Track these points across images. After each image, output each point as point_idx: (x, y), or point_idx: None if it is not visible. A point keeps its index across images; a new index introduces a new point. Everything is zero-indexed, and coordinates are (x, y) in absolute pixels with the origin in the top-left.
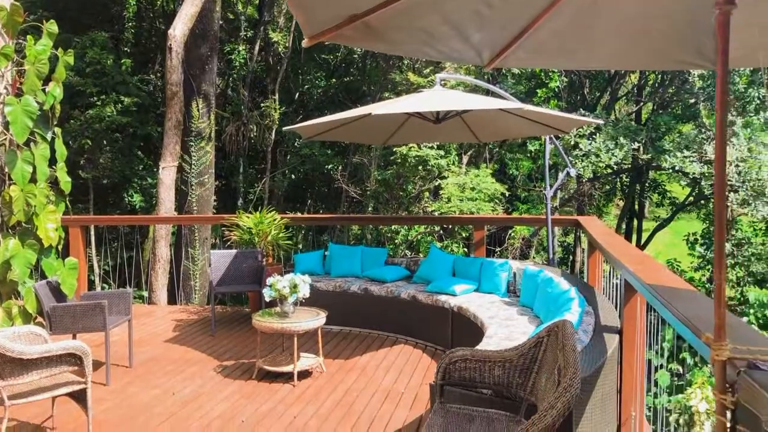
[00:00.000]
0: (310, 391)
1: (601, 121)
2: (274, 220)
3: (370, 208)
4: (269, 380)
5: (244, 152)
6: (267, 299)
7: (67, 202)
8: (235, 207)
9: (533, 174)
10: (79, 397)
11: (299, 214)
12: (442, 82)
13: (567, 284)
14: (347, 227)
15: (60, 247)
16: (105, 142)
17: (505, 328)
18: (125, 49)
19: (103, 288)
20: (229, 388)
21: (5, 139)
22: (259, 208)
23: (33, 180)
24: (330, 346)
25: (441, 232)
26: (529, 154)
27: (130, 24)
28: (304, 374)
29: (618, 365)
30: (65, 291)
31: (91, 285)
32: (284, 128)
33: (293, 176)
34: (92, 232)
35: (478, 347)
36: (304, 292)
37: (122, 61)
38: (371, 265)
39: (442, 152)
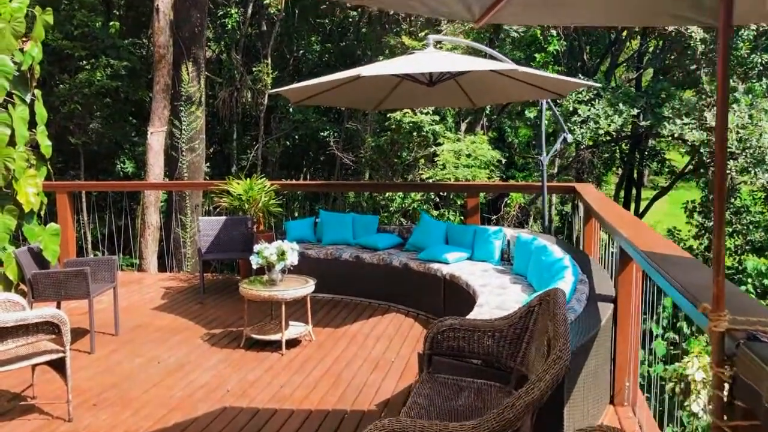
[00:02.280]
0: (298, 360)
1: (598, 84)
2: (264, 186)
3: (366, 176)
4: (257, 349)
5: (238, 118)
6: (254, 266)
7: (49, 167)
8: (229, 174)
9: (531, 142)
10: (59, 365)
11: (292, 181)
12: (438, 46)
13: (561, 252)
14: (345, 195)
15: (43, 213)
16: (95, 107)
17: (497, 296)
18: (116, 12)
19: (95, 255)
20: (216, 356)
21: None
22: (253, 175)
23: (12, 144)
24: (320, 314)
25: (437, 200)
26: (528, 122)
27: None
28: (293, 343)
29: (612, 335)
30: (47, 257)
31: (82, 252)
32: (270, 91)
33: (287, 143)
34: (83, 199)
35: (469, 316)
36: (292, 259)
37: (111, 23)
38: (363, 232)
39: (437, 118)
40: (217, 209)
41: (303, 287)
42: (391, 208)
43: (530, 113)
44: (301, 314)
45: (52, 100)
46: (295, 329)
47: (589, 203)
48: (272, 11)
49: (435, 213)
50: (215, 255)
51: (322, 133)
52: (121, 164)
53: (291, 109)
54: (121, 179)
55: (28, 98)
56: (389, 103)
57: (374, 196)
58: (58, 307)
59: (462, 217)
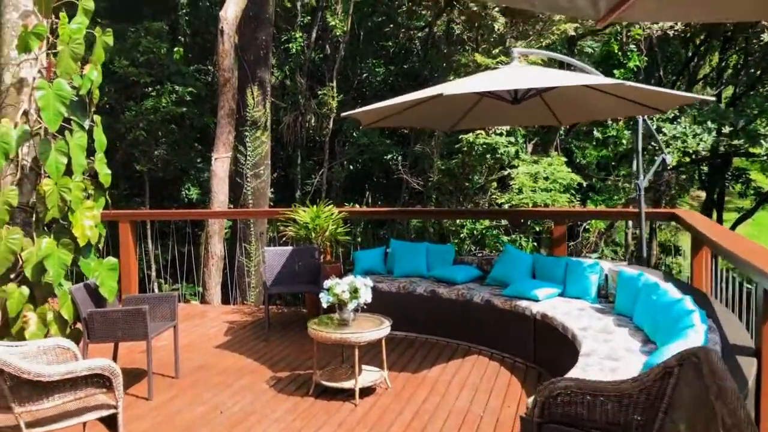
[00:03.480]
0: (374, 413)
1: (711, 99)
2: (332, 214)
3: (432, 200)
4: (327, 397)
5: (302, 143)
6: (324, 305)
7: (107, 197)
8: (293, 200)
9: (600, 163)
10: (111, 423)
11: (358, 207)
12: (520, 58)
13: (677, 291)
14: (407, 220)
15: (101, 246)
16: (160, 133)
17: (603, 344)
18: (181, 38)
19: (159, 285)
20: (283, 406)
21: (40, 127)
22: (317, 201)
23: (69, 173)
24: (394, 355)
25: (508, 225)
26: (594, 142)
27: (183, 11)
28: (367, 391)
29: (756, 396)
30: (104, 294)
31: (145, 282)
32: (343, 114)
33: (351, 167)
34: (149, 227)
35: (576, 370)
36: (366, 297)
37: (175, 49)
38: (438, 263)
39: (512, 139)
40: (283, 238)
41: (378, 329)
42: (461, 234)
43: (599, 133)
44: (374, 355)
45: (118, 128)
46: (369, 375)
47: (701, 232)
48: (338, 33)
49: (506, 239)
50: (281, 288)
51: (386, 157)
52: (186, 191)
53: (355, 133)
54: (186, 206)
55: (86, 124)
56: (466, 123)
57: (442, 221)
58: (116, 348)
59: (535, 243)
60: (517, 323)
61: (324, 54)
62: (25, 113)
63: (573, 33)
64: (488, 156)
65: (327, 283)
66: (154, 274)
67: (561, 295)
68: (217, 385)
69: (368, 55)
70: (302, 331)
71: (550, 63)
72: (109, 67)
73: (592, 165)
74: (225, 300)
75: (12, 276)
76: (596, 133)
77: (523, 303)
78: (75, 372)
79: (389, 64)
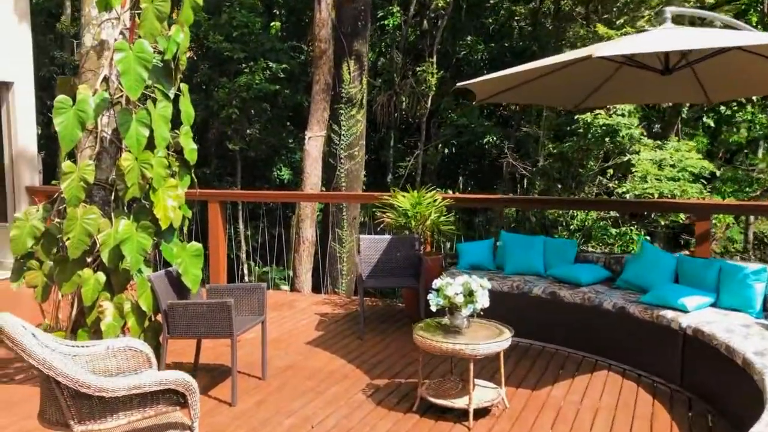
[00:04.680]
0: None
1: None
2: (434, 200)
3: (535, 187)
4: (434, 415)
5: (395, 124)
6: (433, 308)
7: (194, 176)
8: (384, 183)
9: (711, 150)
10: None
11: (465, 195)
12: (672, 18)
13: None
14: (501, 208)
15: (186, 228)
16: (253, 111)
17: None
18: (276, 12)
19: (249, 267)
20: (383, 423)
21: (121, 96)
22: (410, 185)
23: (151, 147)
24: (509, 366)
25: (618, 216)
26: (706, 129)
27: None
28: (481, 412)
29: None
30: (187, 283)
31: (236, 263)
32: (459, 84)
33: (446, 150)
34: (240, 207)
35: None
36: (483, 302)
37: (271, 24)
38: (557, 260)
39: (635, 121)
40: (380, 226)
41: (497, 340)
42: (571, 226)
43: (709, 120)
44: (485, 364)
45: (211, 105)
46: (484, 393)
47: None
48: (440, 4)
49: (614, 231)
50: (377, 282)
51: (482, 140)
52: (278, 171)
53: (453, 114)
54: (278, 187)
55: (171, 93)
56: (597, 99)
57: (544, 211)
58: (198, 345)
59: (647, 237)
60: (659, 337)
61: (420, 30)
62: (106, 79)
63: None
64: (607, 139)
65: (436, 283)
66: (244, 256)
67: (713, 305)
68: (307, 391)
69: (466, 32)
70: (400, 330)
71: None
72: (203, 43)
73: (717, 151)
74: (315, 287)
75: (89, 260)
76: (706, 119)
77: (668, 313)
78: (144, 387)
79: (489, 42)
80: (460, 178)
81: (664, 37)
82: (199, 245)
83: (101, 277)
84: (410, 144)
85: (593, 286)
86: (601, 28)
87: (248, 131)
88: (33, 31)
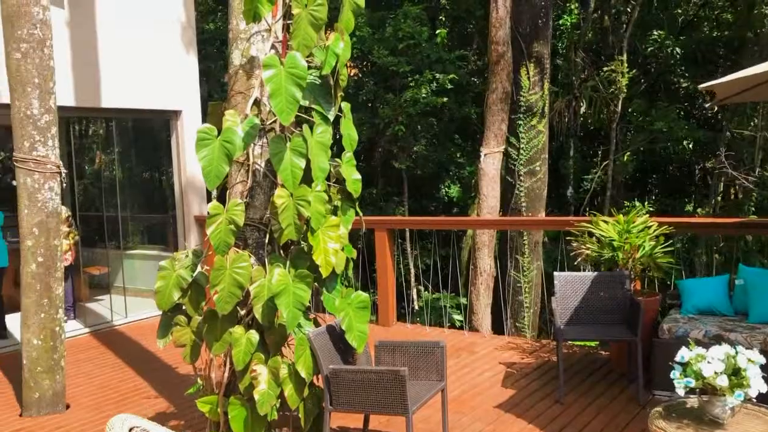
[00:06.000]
0: None
1: None
2: (648, 227)
3: (753, 201)
4: None
5: (574, 132)
6: (680, 391)
7: (358, 209)
8: (564, 199)
9: None
10: None
11: (693, 219)
12: None
13: None
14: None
15: (350, 273)
16: (419, 127)
17: None
18: (441, 18)
19: (418, 292)
20: None
21: (275, 121)
22: (596, 200)
23: (308, 180)
24: None
25: None
26: None
27: None
28: None
29: None
30: (352, 342)
31: (404, 287)
32: (701, 86)
33: (635, 159)
34: (407, 229)
35: None
36: (758, 386)
37: (438, 31)
38: None
39: None
40: (574, 257)
41: None
42: None
43: None
44: None
45: (377, 123)
46: None
47: None
48: None
49: None
50: (580, 333)
51: (680, 145)
52: (446, 188)
53: (643, 117)
54: (446, 205)
55: (331, 115)
56: None
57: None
58: (366, 421)
59: None
60: None
61: (601, 26)
62: (257, 102)
63: None
64: None
65: (683, 355)
66: (413, 279)
67: None
68: None
69: (652, 26)
70: (609, 390)
71: None
72: (368, 58)
73: None
74: (495, 322)
75: (242, 312)
76: None
77: None
78: None
79: (679, 35)
80: (648, 191)
81: None
82: (366, 296)
83: (254, 336)
84: (590, 153)
85: None
86: None
87: (414, 148)
88: (205, 59)
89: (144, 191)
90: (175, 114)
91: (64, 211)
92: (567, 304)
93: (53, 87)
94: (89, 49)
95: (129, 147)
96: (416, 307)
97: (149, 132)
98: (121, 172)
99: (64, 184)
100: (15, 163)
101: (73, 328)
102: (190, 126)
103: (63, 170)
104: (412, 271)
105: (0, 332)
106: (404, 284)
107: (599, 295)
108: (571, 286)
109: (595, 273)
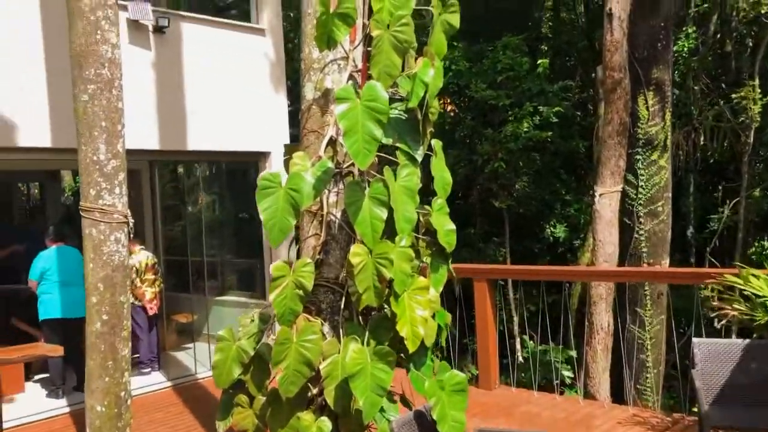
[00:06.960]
0: None
1: None
2: None
3: None
4: None
5: (694, 166)
6: None
7: (450, 268)
8: (684, 241)
9: None
10: None
11: None
12: None
13: None
14: None
15: (443, 342)
16: (521, 163)
17: None
18: (543, 47)
19: (522, 342)
20: None
21: (351, 164)
22: (720, 243)
23: (390, 233)
24: None
25: None
26: None
27: (547, 26)
28: None
29: None
30: None
31: (506, 336)
32: None
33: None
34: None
35: None
36: None
37: (539, 62)
38: None
39: None
40: (718, 318)
41: None
42: None
43: None
44: None
45: (475, 160)
46: None
47: None
48: (763, 11)
49: None
50: (733, 419)
51: None
52: (551, 228)
53: None
54: (551, 246)
55: (419, 155)
56: None
57: None
58: None
59: None
60: None
61: (722, 51)
62: (332, 142)
63: None
64: None
65: None
66: (516, 328)
67: None
68: None
69: None
70: None
71: None
72: (465, 93)
73: None
74: (613, 386)
75: (314, 391)
76: None
77: None
78: None
79: None
80: None
81: None
82: (463, 377)
83: (326, 425)
84: (709, 189)
85: None
86: None
87: (516, 185)
88: (297, 99)
89: (232, 235)
90: (264, 156)
91: (150, 258)
92: (712, 380)
93: (122, 130)
94: (175, 90)
95: (217, 190)
96: (520, 359)
97: (238, 174)
98: (208, 215)
99: (131, 235)
100: (81, 213)
101: (156, 381)
102: (279, 168)
103: (131, 219)
104: (515, 318)
105: (79, 386)
106: (506, 331)
107: (751, 367)
108: (716, 356)
109: (747, 341)
